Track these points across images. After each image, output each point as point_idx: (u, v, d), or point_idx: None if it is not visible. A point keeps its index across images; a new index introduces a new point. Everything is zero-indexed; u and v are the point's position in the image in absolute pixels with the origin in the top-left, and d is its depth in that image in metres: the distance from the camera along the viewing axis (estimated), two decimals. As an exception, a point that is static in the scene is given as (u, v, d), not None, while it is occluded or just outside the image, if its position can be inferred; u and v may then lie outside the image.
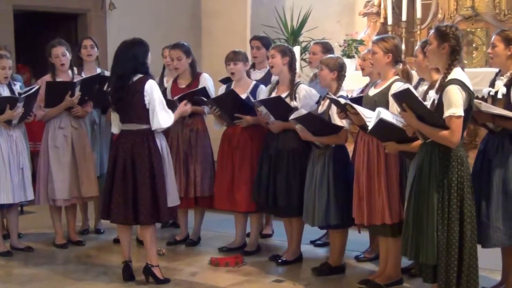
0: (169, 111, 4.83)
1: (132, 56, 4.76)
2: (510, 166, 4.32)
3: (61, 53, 5.85)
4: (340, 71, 4.97)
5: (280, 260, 5.38)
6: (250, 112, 5.44)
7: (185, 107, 5.20)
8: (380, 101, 4.48)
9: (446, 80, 3.91)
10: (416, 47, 4.84)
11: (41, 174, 5.84)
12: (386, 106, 4.37)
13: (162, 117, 4.76)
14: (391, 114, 4.25)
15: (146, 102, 4.73)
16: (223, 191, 5.60)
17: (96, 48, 6.31)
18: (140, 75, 4.76)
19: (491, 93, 4.55)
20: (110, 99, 4.86)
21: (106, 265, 5.42)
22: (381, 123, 4.14)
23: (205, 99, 5.54)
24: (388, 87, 4.48)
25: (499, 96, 4.43)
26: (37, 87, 5.71)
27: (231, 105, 5.45)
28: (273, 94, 5.33)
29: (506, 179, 4.33)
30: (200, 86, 5.68)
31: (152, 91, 4.73)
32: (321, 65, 5.01)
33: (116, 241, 5.86)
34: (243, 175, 5.51)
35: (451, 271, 3.91)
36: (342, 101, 4.61)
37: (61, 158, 5.83)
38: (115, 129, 4.99)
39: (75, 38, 8.46)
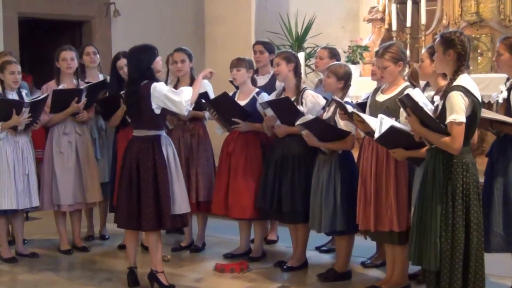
0: (183, 90, 4.85)
1: (137, 62, 4.80)
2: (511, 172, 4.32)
3: (70, 57, 5.90)
4: (347, 80, 4.97)
5: (285, 266, 5.36)
6: (248, 118, 5.44)
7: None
8: (393, 106, 4.43)
9: (451, 86, 3.90)
10: (423, 52, 4.83)
11: (45, 180, 5.85)
12: (399, 112, 4.34)
13: (182, 97, 4.77)
14: (394, 121, 4.23)
15: (154, 106, 4.74)
16: (220, 196, 5.60)
17: (98, 55, 6.36)
18: (145, 81, 4.78)
19: (497, 98, 4.54)
20: (123, 104, 4.90)
21: (111, 271, 5.41)
22: (391, 129, 4.12)
23: (204, 101, 5.54)
24: (401, 93, 4.43)
25: (500, 100, 4.44)
26: (45, 95, 5.73)
27: (226, 108, 5.46)
28: (281, 99, 5.32)
29: (508, 185, 4.32)
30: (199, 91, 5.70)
31: (157, 90, 4.74)
32: (328, 72, 4.99)
33: (121, 247, 5.87)
34: (238, 182, 5.50)
35: (455, 278, 3.89)
36: (349, 109, 4.60)
37: (65, 164, 5.84)
38: None
39: (79, 45, 8.45)
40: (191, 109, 5.02)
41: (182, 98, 4.78)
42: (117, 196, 5.00)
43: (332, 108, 4.95)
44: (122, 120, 5.74)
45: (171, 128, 5.81)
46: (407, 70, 4.67)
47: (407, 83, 4.56)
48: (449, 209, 3.89)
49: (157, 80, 4.85)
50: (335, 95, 4.94)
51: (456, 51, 3.93)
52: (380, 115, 4.25)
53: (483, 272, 3.97)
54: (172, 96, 4.77)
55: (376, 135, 4.20)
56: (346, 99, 4.93)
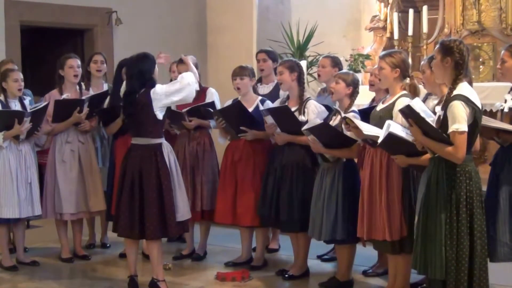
0: (183, 76, 4.85)
1: (139, 73, 4.80)
2: None
3: (77, 65, 5.91)
4: (355, 87, 4.97)
5: (286, 275, 5.34)
6: (255, 126, 5.44)
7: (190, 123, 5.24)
8: (385, 116, 4.45)
9: (451, 95, 3.90)
10: (423, 62, 4.83)
11: (48, 188, 5.85)
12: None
13: (184, 82, 4.78)
14: (401, 127, 4.23)
15: (157, 110, 4.73)
16: (226, 205, 5.57)
17: (105, 64, 6.36)
18: (143, 89, 4.78)
19: (501, 107, 4.54)
20: (122, 114, 4.89)
21: (112, 280, 5.40)
22: (390, 136, 4.13)
23: (212, 110, 5.54)
24: (394, 103, 4.47)
25: (506, 110, 4.43)
26: (45, 103, 5.73)
27: (236, 117, 5.46)
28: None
29: None
30: (207, 100, 5.71)
31: (157, 93, 4.73)
32: (337, 78, 4.99)
33: (122, 255, 5.85)
34: (246, 189, 5.49)
35: (461, 286, 3.88)
36: (342, 114, 4.61)
37: (67, 173, 5.83)
38: None
39: (81, 53, 8.48)
40: (198, 88, 4.98)
41: (185, 81, 4.79)
42: (116, 204, 4.95)
43: (338, 117, 4.94)
44: (120, 128, 5.73)
45: (178, 133, 5.81)
46: (407, 81, 4.66)
47: (404, 92, 4.54)
48: (454, 217, 3.89)
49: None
50: (342, 102, 4.94)
51: (454, 59, 3.93)
52: (387, 121, 4.25)
53: (487, 280, 3.96)
54: (173, 87, 4.77)
55: (380, 140, 4.21)
56: (353, 108, 4.93)
